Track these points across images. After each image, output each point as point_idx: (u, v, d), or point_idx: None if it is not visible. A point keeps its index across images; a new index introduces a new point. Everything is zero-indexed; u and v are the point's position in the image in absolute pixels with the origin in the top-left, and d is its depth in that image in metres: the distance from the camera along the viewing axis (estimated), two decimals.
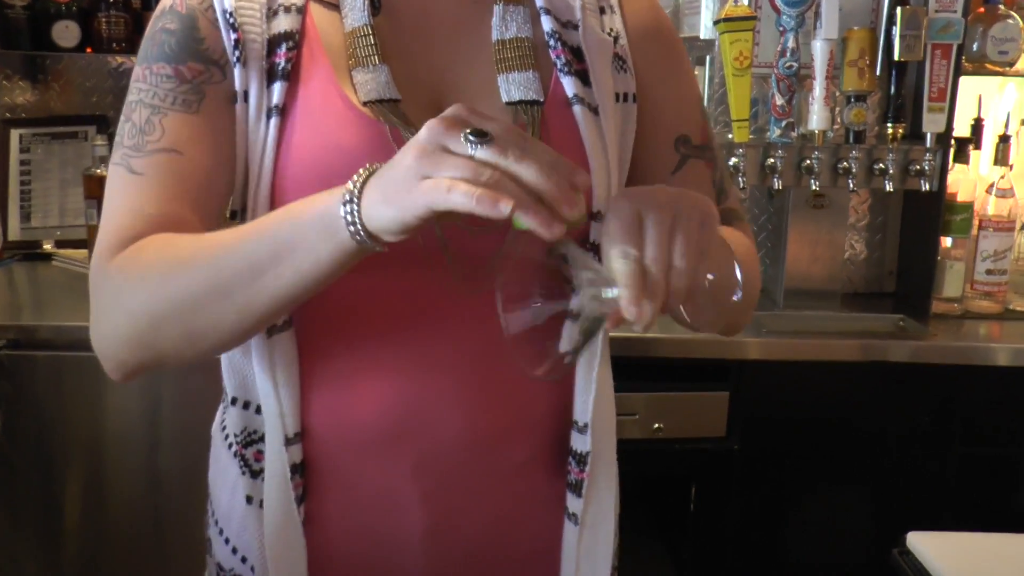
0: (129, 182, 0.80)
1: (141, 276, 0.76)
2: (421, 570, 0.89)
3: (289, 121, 0.82)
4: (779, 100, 1.88)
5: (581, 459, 0.90)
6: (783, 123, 1.89)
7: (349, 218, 0.67)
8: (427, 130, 0.64)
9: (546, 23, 0.90)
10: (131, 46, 2.08)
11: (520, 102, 0.86)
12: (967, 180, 2.02)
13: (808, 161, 1.89)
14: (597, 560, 0.92)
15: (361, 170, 0.68)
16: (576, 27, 0.90)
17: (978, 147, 2.04)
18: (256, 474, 0.88)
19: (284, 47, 0.83)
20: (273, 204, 0.81)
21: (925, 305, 1.99)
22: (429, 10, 0.89)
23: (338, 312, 0.84)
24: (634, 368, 1.74)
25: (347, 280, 0.76)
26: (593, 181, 0.85)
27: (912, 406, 1.87)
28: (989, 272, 2.02)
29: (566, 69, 0.88)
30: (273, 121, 0.82)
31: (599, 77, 0.88)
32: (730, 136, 1.89)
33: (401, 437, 0.85)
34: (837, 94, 1.92)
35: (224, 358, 0.89)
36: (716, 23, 1.85)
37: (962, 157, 2.01)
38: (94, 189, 1.83)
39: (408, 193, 0.63)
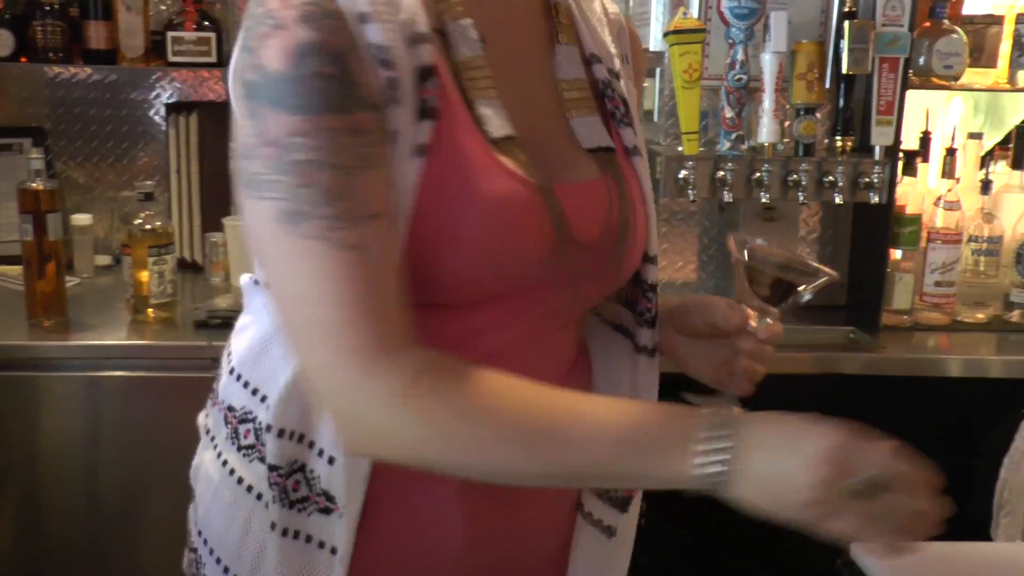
0: (346, 260, 0.71)
1: (468, 438, 0.74)
2: None
3: (432, 161, 0.76)
4: (729, 113, 1.87)
5: None
6: (733, 136, 1.89)
7: (713, 479, 0.70)
8: (826, 470, 0.69)
9: (599, 71, 0.92)
10: (68, 56, 2.02)
11: (598, 149, 0.88)
12: (915, 193, 2.03)
13: (758, 174, 1.89)
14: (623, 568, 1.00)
15: (721, 438, 0.70)
16: (618, 77, 0.93)
17: (926, 160, 2.05)
18: (293, 504, 0.84)
19: (430, 82, 0.76)
20: (411, 253, 0.76)
21: (875, 317, 1.99)
22: (510, 46, 0.88)
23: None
24: None
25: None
26: (650, 228, 0.93)
27: (864, 418, 1.85)
28: (938, 284, 2.03)
29: (624, 120, 0.91)
30: (417, 161, 0.75)
31: (637, 128, 0.93)
32: (680, 149, 1.88)
33: None
34: (787, 107, 1.93)
35: (285, 398, 0.83)
36: (666, 35, 1.84)
37: (910, 170, 2.02)
38: (29, 203, 1.76)
39: (796, 508, 0.69)
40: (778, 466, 0.69)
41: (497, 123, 0.80)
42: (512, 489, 0.86)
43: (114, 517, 1.79)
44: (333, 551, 0.85)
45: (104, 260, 2.15)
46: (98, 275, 2.10)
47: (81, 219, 2.06)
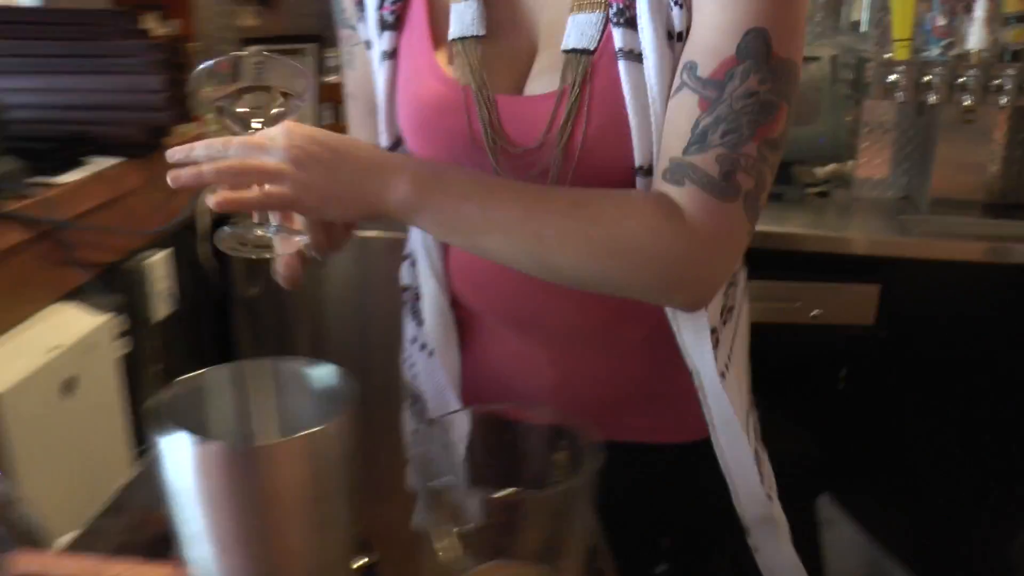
0: (352, 111, 1.08)
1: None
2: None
3: (396, 65, 0.94)
4: (941, 21, 2.02)
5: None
6: (942, 42, 2.04)
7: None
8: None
9: None
10: None
11: (573, 50, 0.84)
12: None
13: (962, 79, 2.03)
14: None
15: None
16: None
17: None
18: (422, 323, 1.07)
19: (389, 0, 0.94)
20: (400, 140, 0.97)
21: None
22: None
23: None
24: (795, 260, 1.97)
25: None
26: (634, 137, 0.83)
27: None
28: None
29: (617, 18, 0.82)
30: (386, 65, 0.93)
31: (647, 23, 0.80)
32: (887, 55, 2.05)
33: (528, 318, 0.97)
34: (997, 15, 2.04)
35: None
36: None
37: None
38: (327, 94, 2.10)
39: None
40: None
41: (455, 27, 0.90)
42: (590, 349, 0.97)
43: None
44: (443, 367, 1.04)
45: None
46: None
47: None
